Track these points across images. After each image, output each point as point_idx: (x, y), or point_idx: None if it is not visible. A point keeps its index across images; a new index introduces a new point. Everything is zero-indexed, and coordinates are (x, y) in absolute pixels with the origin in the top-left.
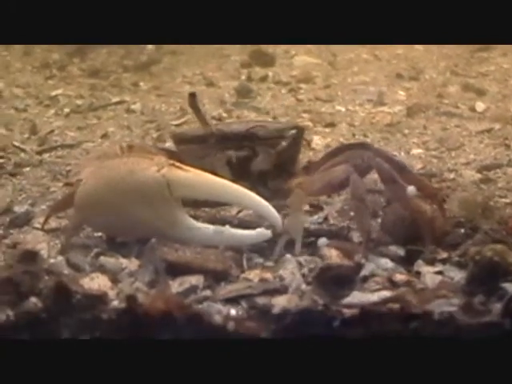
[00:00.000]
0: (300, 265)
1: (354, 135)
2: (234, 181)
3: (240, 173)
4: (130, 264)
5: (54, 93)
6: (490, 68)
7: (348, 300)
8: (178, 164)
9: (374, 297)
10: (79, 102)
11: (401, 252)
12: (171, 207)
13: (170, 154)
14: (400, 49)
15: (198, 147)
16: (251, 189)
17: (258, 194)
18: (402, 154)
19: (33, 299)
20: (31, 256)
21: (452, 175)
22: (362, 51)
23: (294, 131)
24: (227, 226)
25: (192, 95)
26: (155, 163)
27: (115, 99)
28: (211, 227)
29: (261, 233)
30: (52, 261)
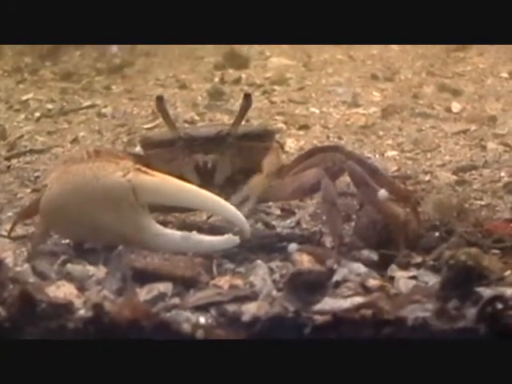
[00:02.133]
0: (271, 270)
1: (328, 137)
2: (202, 185)
3: (208, 177)
4: (98, 271)
5: (24, 97)
6: (467, 68)
7: (319, 306)
8: (144, 169)
9: (347, 303)
10: (50, 106)
11: (374, 256)
12: (137, 213)
13: (137, 159)
14: (375, 49)
15: (165, 151)
16: (219, 194)
17: (227, 199)
18: (377, 156)
19: None
20: None
21: (427, 177)
22: (337, 52)
23: (264, 134)
24: (194, 232)
25: (159, 98)
26: (121, 168)
27: (86, 103)
28: (178, 233)
29: (229, 239)
30: (18, 269)
